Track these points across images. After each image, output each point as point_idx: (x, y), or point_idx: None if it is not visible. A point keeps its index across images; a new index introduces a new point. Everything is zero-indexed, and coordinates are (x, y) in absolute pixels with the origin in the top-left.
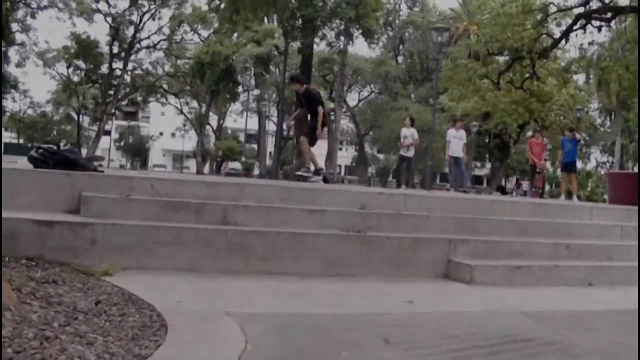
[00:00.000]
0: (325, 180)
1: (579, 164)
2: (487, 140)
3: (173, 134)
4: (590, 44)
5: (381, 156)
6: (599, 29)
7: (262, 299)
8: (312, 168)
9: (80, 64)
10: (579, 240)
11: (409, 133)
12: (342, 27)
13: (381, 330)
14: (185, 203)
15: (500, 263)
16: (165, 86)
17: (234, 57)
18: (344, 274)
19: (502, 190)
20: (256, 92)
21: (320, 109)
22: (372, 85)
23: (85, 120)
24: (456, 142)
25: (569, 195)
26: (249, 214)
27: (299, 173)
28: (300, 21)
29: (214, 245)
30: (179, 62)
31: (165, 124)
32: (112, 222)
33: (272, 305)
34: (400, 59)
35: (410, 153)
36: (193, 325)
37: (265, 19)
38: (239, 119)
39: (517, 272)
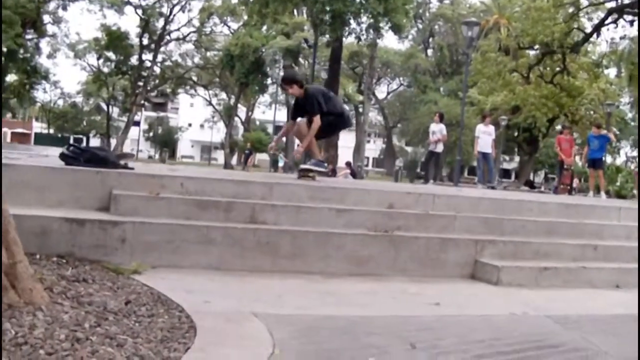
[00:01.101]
0: (353, 175)
1: (609, 159)
2: (516, 134)
3: (202, 125)
4: (622, 38)
5: (409, 149)
6: (631, 23)
7: (290, 299)
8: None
9: (111, 55)
10: (606, 241)
11: (437, 129)
12: (371, 21)
13: (408, 334)
14: (214, 202)
15: (527, 264)
16: (194, 78)
17: (263, 50)
18: (371, 274)
19: (531, 185)
20: None
21: (317, 120)
22: (401, 78)
23: (115, 111)
24: (485, 137)
25: (598, 191)
26: (277, 213)
27: (305, 166)
28: (329, 15)
29: (242, 244)
30: (208, 54)
31: (194, 115)
32: (141, 221)
33: (299, 306)
34: (429, 52)
35: (439, 148)
36: (221, 327)
37: (295, 12)
38: (267, 111)
39: (544, 273)
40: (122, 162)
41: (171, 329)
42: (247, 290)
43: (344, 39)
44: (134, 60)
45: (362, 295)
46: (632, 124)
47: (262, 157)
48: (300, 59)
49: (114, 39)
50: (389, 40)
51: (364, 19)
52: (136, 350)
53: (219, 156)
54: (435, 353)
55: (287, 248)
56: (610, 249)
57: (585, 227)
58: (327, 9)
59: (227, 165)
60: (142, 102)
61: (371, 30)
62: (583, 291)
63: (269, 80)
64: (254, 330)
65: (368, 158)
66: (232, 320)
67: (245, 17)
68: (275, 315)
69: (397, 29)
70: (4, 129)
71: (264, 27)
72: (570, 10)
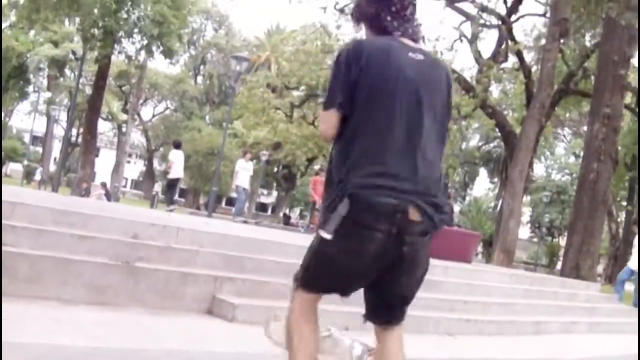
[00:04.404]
0: (107, 196)
1: None
2: (275, 170)
3: None
4: None
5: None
6: None
7: (24, 326)
8: None
9: None
10: None
11: (171, 156)
12: (144, 42)
13: None
14: None
15: (263, 303)
16: None
17: (28, 55)
18: (108, 303)
19: (287, 220)
20: (48, 94)
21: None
22: (168, 102)
23: None
24: (244, 172)
25: None
26: (17, 235)
27: None
28: (101, 31)
29: None
30: None
31: None
32: None
33: (34, 334)
34: (199, 79)
35: (172, 175)
36: None
37: (67, 21)
38: (26, 119)
39: (280, 313)
40: None
41: None
42: None
43: (113, 56)
44: None
45: (97, 326)
46: None
47: (15, 167)
48: (67, 70)
49: None
50: (160, 62)
51: (136, 39)
52: None
53: None
54: None
55: (25, 272)
56: None
57: None
58: (100, 24)
59: None
60: None
61: (142, 52)
62: None
63: (31, 88)
64: None
65: (127, 179)
66: None
67: (13, 19)
68: (7, 343)
69: (168, 53)
70: None
71: (32, 32)
72: None
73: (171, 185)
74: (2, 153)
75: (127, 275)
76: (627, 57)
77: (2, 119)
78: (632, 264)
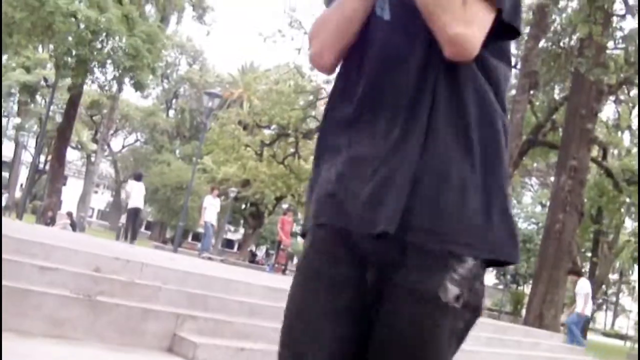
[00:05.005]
0: (72, 226)
1: None
2: (243, 207)
3: None
4: None
5: None
6: None
7: None
8: None
9: None
10: None
11: (128, 188)
12: (116, 74)
13: None
14: None
15: (225, 343)
16: None
17: None
18: (67, 337)
19: (253, 258)
20: (17, 120)
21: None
22: (138, 134)
23: None
24: (211, 209)
25: None
26: None
27: None
28: (74, 59)
29: None
30: None
31: None
32: None
33: None
34: (171, 112)
35: (131, 205)
36: None
37: (40, 48)
38: None
39: (241, 353)
40: None
41: None
42: None
43: (86, 85)
44: None
45: None
46: None
47: None
48: (38, 97)
49: None
50: (132, 94)
51: (109, 69)
52: None
53: None
54: None
55: None
56: None
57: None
58: (74, 52)
59: None
60: None
61: (114, 82)
62: None
63: None
64: None
65: (94, 209)
66: None
67: None
68: None
69: (139, 86)
70: None
71: (4, 57)
72: (310, 98)
73: (130, 216)
74: None
75: (88, 309)
76: (595, 112)
77: None
78: (578, 309)
